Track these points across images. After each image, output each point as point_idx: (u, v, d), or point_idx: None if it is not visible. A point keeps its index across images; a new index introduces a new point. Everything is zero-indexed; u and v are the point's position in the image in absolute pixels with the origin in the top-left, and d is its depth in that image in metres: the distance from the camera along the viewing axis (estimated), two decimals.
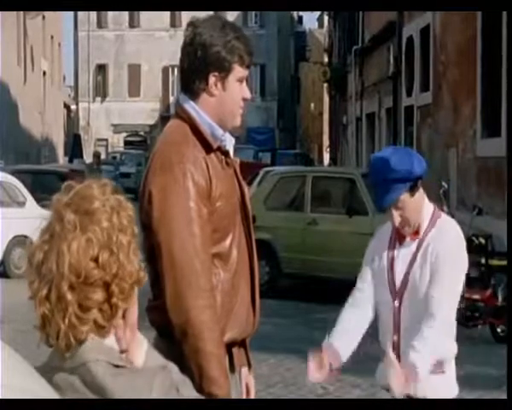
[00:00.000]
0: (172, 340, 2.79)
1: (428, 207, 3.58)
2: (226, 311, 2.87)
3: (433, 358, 3.34)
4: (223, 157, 2.96)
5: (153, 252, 2.80)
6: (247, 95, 2.99)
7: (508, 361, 6.28)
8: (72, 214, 1.69)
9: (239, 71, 2.93)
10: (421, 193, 3.55)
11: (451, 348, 3.54)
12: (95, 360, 1.67)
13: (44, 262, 1.68)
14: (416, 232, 3.54)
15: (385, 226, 3.72)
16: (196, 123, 2.91)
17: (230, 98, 2.94)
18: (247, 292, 2.97)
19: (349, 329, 3.59)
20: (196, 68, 2.91)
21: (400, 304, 3.50)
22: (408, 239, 3.55)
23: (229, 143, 3.02)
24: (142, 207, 2.86)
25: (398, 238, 3.59)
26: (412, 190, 3.49)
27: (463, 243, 3.52)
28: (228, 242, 2.91)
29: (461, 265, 3.49)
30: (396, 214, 3.49)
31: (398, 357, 3.38)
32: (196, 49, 2.90)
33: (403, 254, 3.54)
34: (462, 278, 3.50)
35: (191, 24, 2.97)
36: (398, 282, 3.51)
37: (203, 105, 2.93)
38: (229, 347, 2.91)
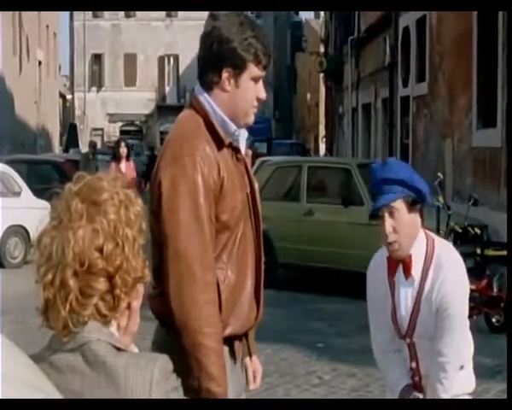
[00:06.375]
0: (172, 328, 2.80)
1: (422, 240, 3.39)
2: (230, 306, 2.88)
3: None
4: (234, 152, 2.96)
5: (160, 238, 2.80)
6: (263, 95, 2.97)
7: (508, 362, 6.29)
8: (80, 203, 1.72)
9: (254, 70, 2.91)
10: (418, 220, 3.37)
11: (469, 353, 3.54)
12: (96, 339, 1.69)
13: (51, 248, 1.70)
14: (407, 266, 3.38)
15: (375, 263, 3.54)
16: (210, 117, 2.91)
17: (243, 96, 2.92)
18: (251, 287, 2.97)
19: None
20: (210, 61, 2.91)
21: (411, 339, 3.45)
22: (404, 279, 3.40)
23: (242, 138, 3.02)
24: (153, 193, 2.87)
25: (392, 276, 3.43)
26: (410, 205, 3.31)
27: (463, 270, 3.40)
28: (235, 237, 2.91)
29: (465, 294, 3.41)
30: (389, 223, 3.31)
31: (420, 381, 3.46)
32: (212, 41, 2.89)
33: (404, 297, 3.41)
34: (467, 302, 3.42)
35: (211, 16, 2.98)
36: (404, 325, 3.43)
37: (216, 99, 2.92)
38: (230, 339, 2.92)
